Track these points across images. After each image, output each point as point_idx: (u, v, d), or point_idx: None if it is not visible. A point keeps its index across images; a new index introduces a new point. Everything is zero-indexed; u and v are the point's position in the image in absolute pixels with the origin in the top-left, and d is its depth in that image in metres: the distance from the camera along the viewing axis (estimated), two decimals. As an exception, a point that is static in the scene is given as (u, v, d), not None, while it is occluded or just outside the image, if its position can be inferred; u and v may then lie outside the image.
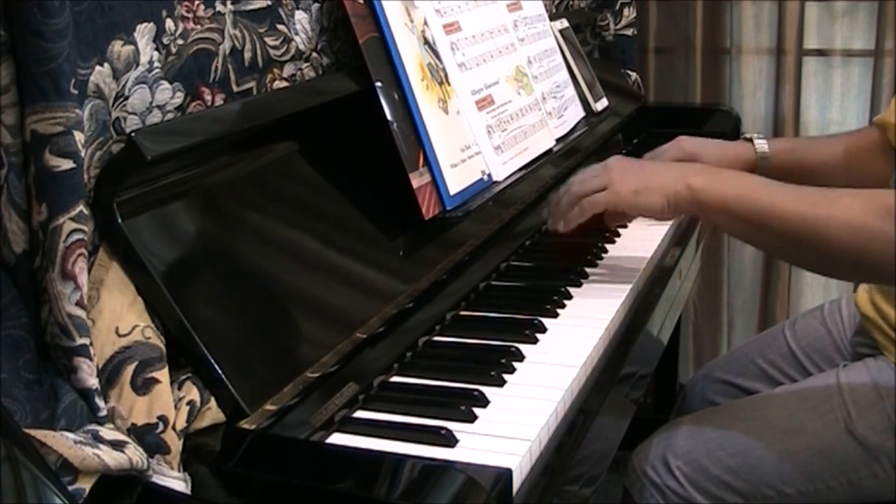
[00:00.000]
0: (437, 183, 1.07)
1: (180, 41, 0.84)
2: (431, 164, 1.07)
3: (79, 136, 0.68)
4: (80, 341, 0.68)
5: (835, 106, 2.15)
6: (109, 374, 0.69)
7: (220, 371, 0.73)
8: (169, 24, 0.82)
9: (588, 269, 1.14)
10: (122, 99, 0.77)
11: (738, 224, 1.03)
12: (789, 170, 1.44)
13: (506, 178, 1.21)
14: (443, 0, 1.21)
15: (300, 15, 1.02)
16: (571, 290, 1.08)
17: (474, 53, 1.25)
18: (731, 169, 1.38)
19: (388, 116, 1.03)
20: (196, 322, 0.74)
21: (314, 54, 1.05)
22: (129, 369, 0.69)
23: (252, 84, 0.94)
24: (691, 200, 1.04)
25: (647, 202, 1.06)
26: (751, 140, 1.42)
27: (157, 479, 0.68)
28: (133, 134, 0.75)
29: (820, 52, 2.13)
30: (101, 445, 0.64)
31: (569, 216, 1.11)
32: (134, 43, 0.78)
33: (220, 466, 0.70)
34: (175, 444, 0.69)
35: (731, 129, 1.92)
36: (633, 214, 1.12)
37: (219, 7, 0.89)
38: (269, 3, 0.97)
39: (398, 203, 1.03)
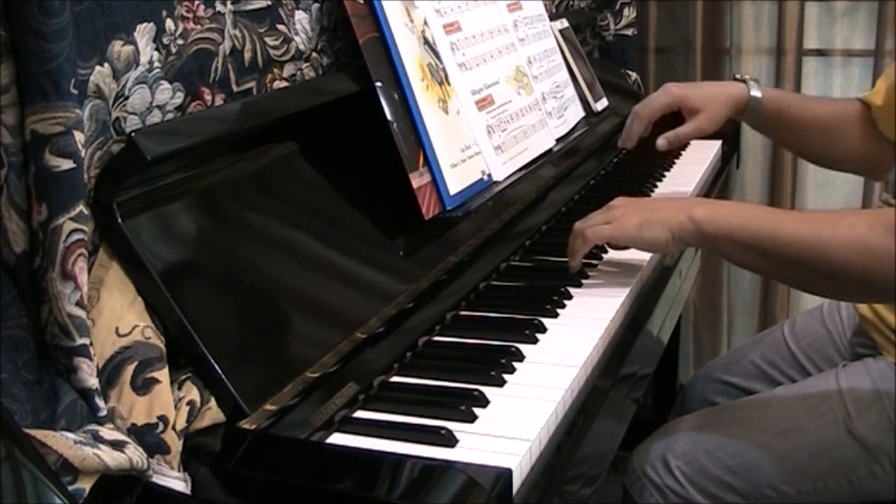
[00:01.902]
0: (437, 183, 1.07)
1: (180, 41, 0.84)
2: (431, 164, 1.07)
3: (79, 136, 0.68)
4: (80, 341, 0.68)
5: (835, 106, 2.15)
6: (109, 374, 0.69)
7: (220, 371, 0.73)
8: (169, 24, 0.82)
9: (588, 270, 1.14)
10: (122, 99, 0.77)
11: (743, 253, 1.02)
12: (776, 119, 1.44)
13: (506, 178, 1.21)
14: (443, 0, 1.21)
15: (300, 15, 1.02)
16: (571, 290, 1.08)
17: (474, 53, 1.25)
18: (727, 106, 1.40)
19: (388, 116, 1.03)
20: (196, 322, 0.74)
21: (314, 54, 1.05)
22: (129, 369, 0.69)
23: (252, 84, 0.94)
24: (695, 232, 1.03)
25: (650, 236, 1.05)
26: (744, 81, 1.43)
27: (157, 479, 0.68)
28: (133, 134, 0.75)
29: (820, 52, 2.13)
30: (101, 445, 0.64)
31: (572, 248, 1.11)
32: (134, 43, 0.78)
33: (220, 466, 0.70)
34: (175, 444, 0.69)
35: (731, 129, 1.92)
36: (639, 249, 1.11)
37: (219, 7, 0.89)
38: (269, 3, 0.97)
39: (398, 203, 1.03)
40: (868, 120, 1.35)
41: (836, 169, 1.52)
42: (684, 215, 1.03)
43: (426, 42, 1.14)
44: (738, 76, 1.47)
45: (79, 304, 0.68)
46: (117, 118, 0.77)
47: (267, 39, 0.96)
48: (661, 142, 1.40)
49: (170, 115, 0.83)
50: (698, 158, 1.69)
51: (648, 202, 1.11)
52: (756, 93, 1.42)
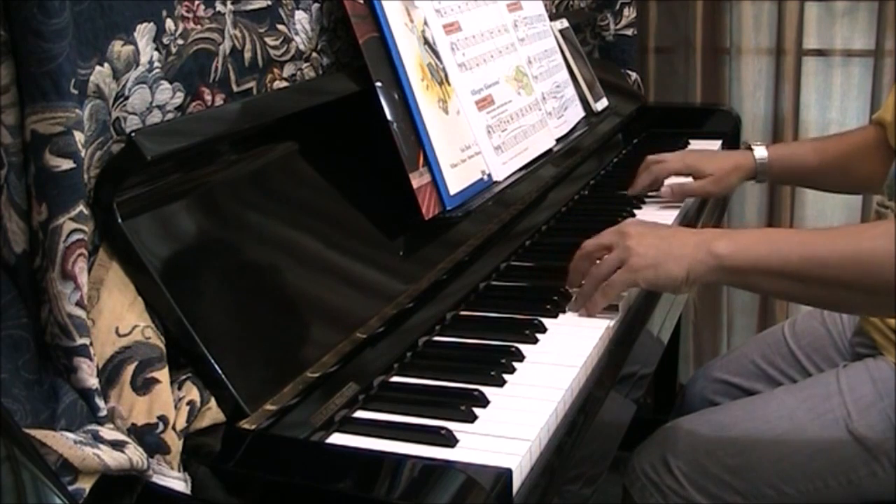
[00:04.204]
0: (437, 183, 1.07)
1: (180, 41, 0.84)
2: (431, 164, 1.07)
3: (79, 136, 0.68)
4: (80, 341, 0.68)
5: (835, 106, 2.15)
6: (109, 374, 0.69)
7: (220, 371, 0.73)
8: (169, 24, 0.82)
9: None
10: (122, 99, 0.77)
11: (773, 281, 0.96)
12: (788, 174, 1.48)
13: (506, 178, 1.21)
14: (443, 0, 1.21)
15: (300, 15, 1.02)
16: (571, 290, 1.08)
17: (474, 53, 1.25)
18: (736, 175, 1.42)
19: (388, 116, 1.03)
20: (196, 322, 0.74)
21: (314, 54, 1.05)
22: (129, 369, 0.69)
23: (252, 84, 0.94)
24: (717, 268, 0.96)
25: (666, 277, 0.98)
26: (750, 147, 1.45)
27: (157, 479, 0.68)
28: (133, 134, 0.75)
29: (820, 52, 2.13)
30: (101, 445, 0.64)
31: (592, 303, 1.03)
32: (134, 43, 0.78)
33: (220, 466, 0.70)
34: (175, 444, 0.69)
35: (731, 128, 1.92)
36: (653, 290, 1.05)
37: (219, 7, 0.89)
38: (269, 3, 0.97)
39: (398, 203, 1.03)
40: (884, 140, 1.35)
41: (859, 193, 1.53)
42: (703, 251, 0.97)
43: (426, 42, 1.14)
44: (744, 143, 1.50)
45: (79, 304, 0.68)
46: (117, 118, 0.77)
47: (267, 39, 0.96)
48: (666, 190, 1.44)
49: (170, 115, 0.83)
50: (698, 158, 1.69)
51: (665, 233, 1.03)
52: (762, 155, 1.45)
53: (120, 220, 0.74)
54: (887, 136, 1.34)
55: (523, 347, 0.94)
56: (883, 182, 1.36)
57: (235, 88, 0.92)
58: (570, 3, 1.89)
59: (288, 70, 1.01)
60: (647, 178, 1.45)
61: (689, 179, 1.45)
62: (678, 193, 1.44)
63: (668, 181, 1.45)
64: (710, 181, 1.44)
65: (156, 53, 0.80)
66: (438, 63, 1.16)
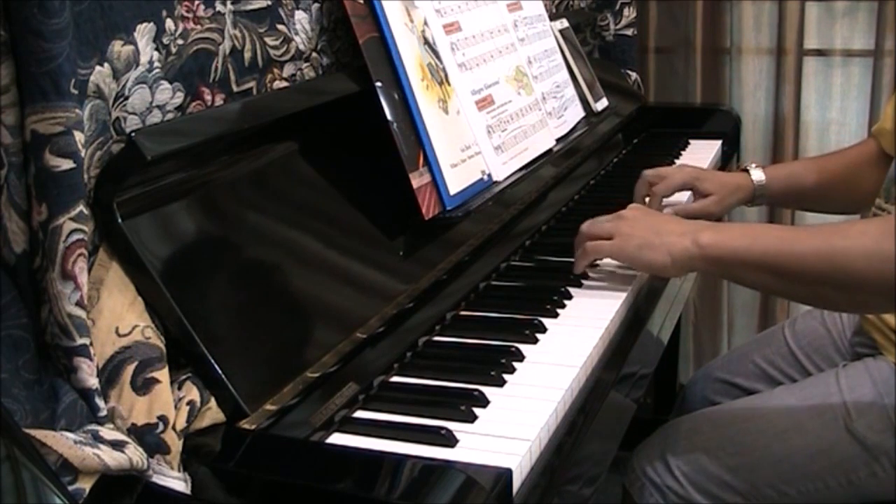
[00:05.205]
0: (437, 183, 1.07)
1: (180, 41, 0.84)
2: (431, 164, 1.07)
3: (79, 136, 0.68)
4: (80, 341, 0.68)
5: (835, 106, 2.15)
6: (109, 374, 0.69)
7: (220, 371, 0.73)
8: (169, 24, 0.82)
9: (588, 269, 1.14)
10: (122, 99, 0.77)
11: (753, 274, 1.00)
12: (789, 195, 1.46)
13: (506, 178, 1.21)
14: (443, 0, 1.21)
15: (300, 15, 1.02)
16: (571, 290, 1.08)
17: (474, 53, 1.25)
18: (736, 196, 1.41)
19: (388, 116, 1.03)
20: (196, 322, 0.74)
21: (314, 54, 1.05)
22: (129, 369, 0.69)
23: (252, 84, 0.94)
24: (701, 257, 1.01)
25: (649, 258, 1.04)
26: (747, 171, 1.43)
27: (157, 479, 0.68)
28: (133, 134, 0.75)
29: (820, 52, 2.13)
30: (101, 445, 0.64)
31: (576, 254, 1.11)
32: (134, 43, 0.78)
33: (220, 466, 0.70)
34: (175, 444, 0.69)
35: (731, 128, 1.92)
36: (636, 268, 1.10)
37: (219, 7, 0.89)
38: (269, 3, 0.97)
39: (398, 203, 1.03)
40: (882, 155, 1.34)
41: (861, 212, 1.51)
42: (689, 240, 1.02)
43: (426, 42, 1.14)
44: (741, 166, 1.47)
45: (79, 304, 0.68)
46: (117, 118, 0.77)
47: (267, 39, 0.96)
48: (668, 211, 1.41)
49: (170, 115, 0.83)
50: (698, 158, 1.70)
51: (658, 221, 1.08)
52: (759, 178, 1.42)
53: (120, 220, 0.74)
54: (883, 147, 1.34)
55: (523, 347, 0.94)
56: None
57: (235, 88, 0.92)
58: (570, 3, 1.89)
59: (288, 70, 1.01)
60: (653, 203, 1.39)
61: (687, 195, 1.44)
62: (680, 214, 1.38)
63: (666, 200, 1.42)
64: (713, 201, 1.39)
65: (156, 53, 0.80)
66: (438, 63, 1.16)
